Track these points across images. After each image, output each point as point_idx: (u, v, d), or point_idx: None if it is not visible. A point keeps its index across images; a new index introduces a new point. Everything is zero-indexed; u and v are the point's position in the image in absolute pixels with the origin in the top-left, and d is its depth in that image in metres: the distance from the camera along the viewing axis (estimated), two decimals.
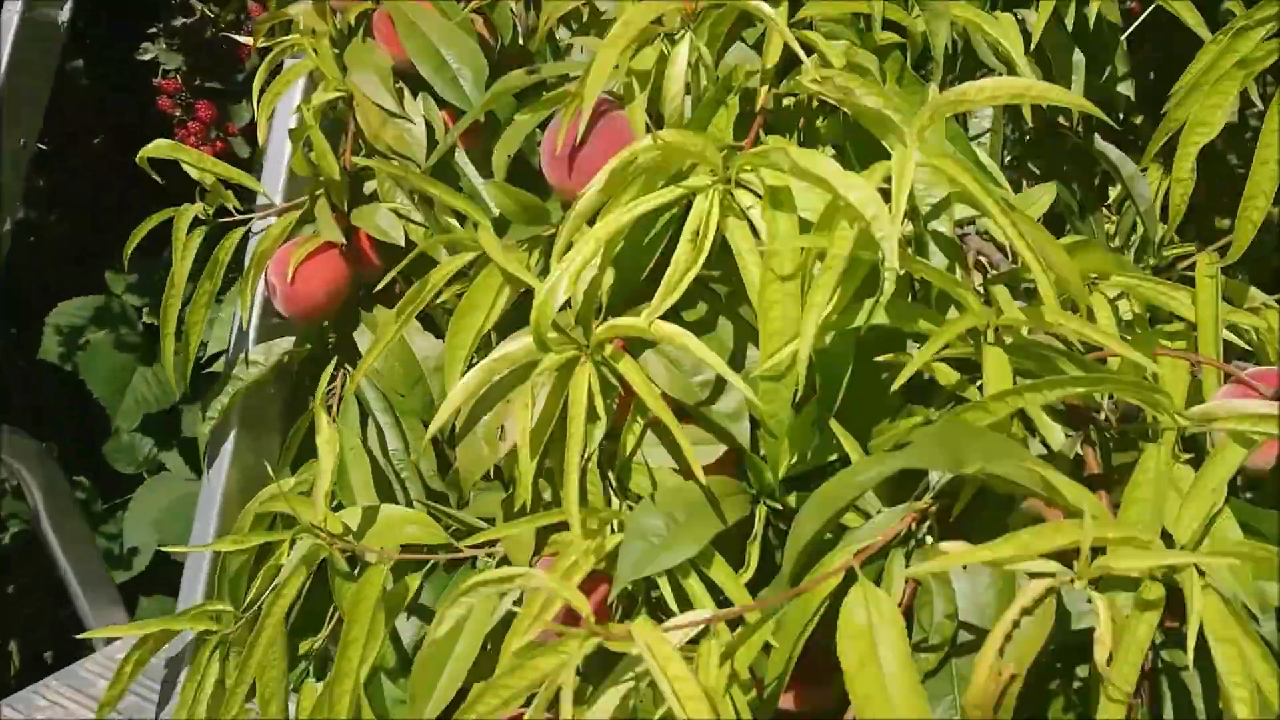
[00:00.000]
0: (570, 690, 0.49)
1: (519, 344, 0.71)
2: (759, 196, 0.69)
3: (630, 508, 0.74)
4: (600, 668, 0.71)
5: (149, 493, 2.11)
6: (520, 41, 0.96)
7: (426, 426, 1.00)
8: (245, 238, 0.99)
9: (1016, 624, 0.53)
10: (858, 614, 0.61)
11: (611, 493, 0.77)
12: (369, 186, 0.99)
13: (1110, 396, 0.69)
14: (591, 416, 0.70)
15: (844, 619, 0.61)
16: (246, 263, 0.98)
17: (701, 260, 0.69)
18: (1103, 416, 0.69)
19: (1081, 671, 0.66)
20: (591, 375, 0.69)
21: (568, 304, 0.72)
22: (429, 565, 0.80)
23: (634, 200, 0.69)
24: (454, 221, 0.91)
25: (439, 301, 0.90)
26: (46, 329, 2.09)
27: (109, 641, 1.53)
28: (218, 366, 1.24)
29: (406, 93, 0.94)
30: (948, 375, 0.68)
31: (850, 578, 0.64)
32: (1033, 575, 0.53)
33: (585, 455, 0.70)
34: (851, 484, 0.67)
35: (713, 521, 0.72)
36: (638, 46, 0.75)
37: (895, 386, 0.66)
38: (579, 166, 0.77)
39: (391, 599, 0.78)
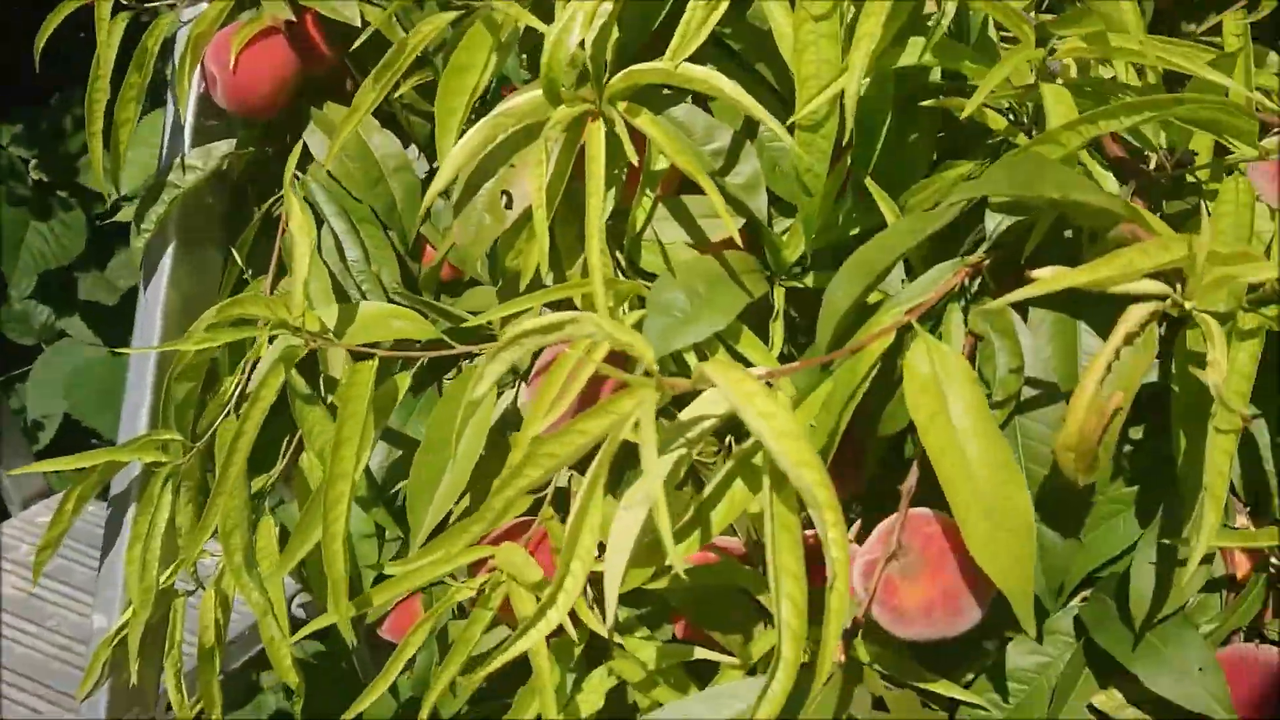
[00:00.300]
0: (652, 428, 0.43)
1: (524, 98, 0.63)
2: None
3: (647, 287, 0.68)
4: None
5: (51, 360, 1.98)
6: None
7: (388, 232, 0.93)
8: (175, 24, 0.88)
9: (1117, 355, 0.49)
10: (921, 366, 0.56)
11: (620, 273, 0.71)
12: None
13: (1165, 146, 0.64)
14: (607, 179, 0.63)
15: (908, 373, 0.57)
16: (179, 51, 0.87)
17: (721, 9, 0.62)
18: (1153, 166, 0.65)
19: None
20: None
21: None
22: (417, 363, 0.73)
23: None
24: None
25: (397, 96, 0.82)
26: None
27: (25, 505, 1.44)
28: (125, 215, 1.14)
29: None
30: (997, 120, 0.63)
31: (898, 342, 0.59)
32: (1134, 300, 0.49)
33: (605, 216, 0.64)
34: (891, 244, 0.62)
35: (737, 294, 0.67)
36: None
37: (939, 133, 0.60)
38: None
39: (380, 399, 0.71)
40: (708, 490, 0.54)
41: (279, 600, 0.87)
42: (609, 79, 0.64)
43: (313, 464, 0.85)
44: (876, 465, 0.68)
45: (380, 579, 0.91)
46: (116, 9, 0.86)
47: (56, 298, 2.05)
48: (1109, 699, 0.63)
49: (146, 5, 0.88)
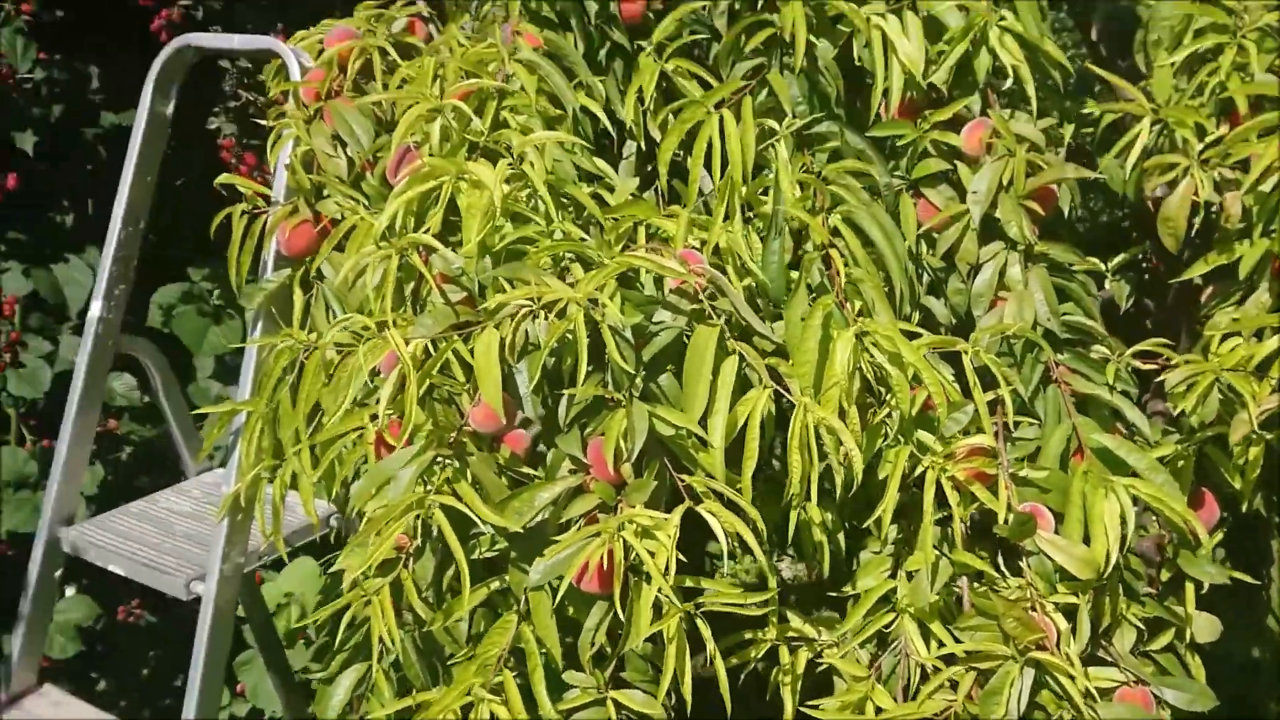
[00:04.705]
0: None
1: None
2: None
3: None
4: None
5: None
6: (393, 117, 1.98)
7: (359, 311, 2.02)
8: (266, 220, 2.02)
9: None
10: None
11: None
12: (325, 191, 2.01)
13: None
14: None
15: None
16: (267, 231, 2.01)
17: None
18: None
19: None
20: None
21: None
22: None
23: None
24: (361, 204, 1.93)
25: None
26: (151, 305, 3.17)
27: (198, 474, 2.57)
28: None
29: (338, 145, 1.96)
30: None
31: None
32: None
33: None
34: None
35: None
36: None
37: None
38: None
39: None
40: None
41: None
42: None
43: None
44: None
45: None
46: (245, 214, 2.00)
47: (225, 377, 3.25)
48: None
49: (255, 211, 2.01)
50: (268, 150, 2.02)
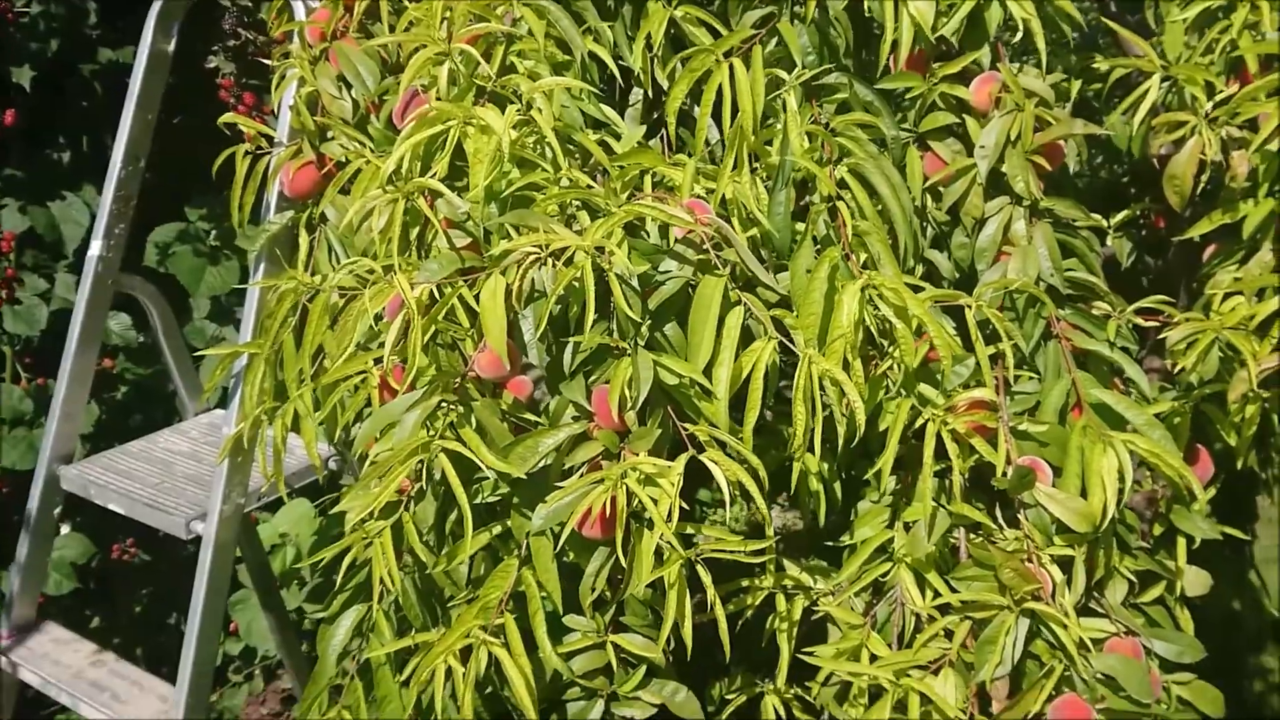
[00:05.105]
0: None
1: None
2: None
3: None
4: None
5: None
6: (399, 59, 1.96)
7: (363, 255, 2.01)
8: (269, 161, 2.01)
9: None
10: None
11: None
12: (330, 133, 2.00)
13: None
14: None
15: None
16: (270, 173, 2.00)
17: None
18: None
19: None
20: None
21: None
22: None
23: None
24: (367, 146, 1.91)
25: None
26: (147, 244, 3.15)
27: (196, 414, 2.57)
28: None
29: (343, 87, 1.95)
30: None
31: None
32: None
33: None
34: None
35: None
36: None
37: None
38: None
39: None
40: None
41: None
42: None
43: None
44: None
45: None
46: (248, 155, 1.99)
47: (221, 317, 3.24)
48: None
49: (259, 152, 2.00)
50: (271, 91, 2.01)
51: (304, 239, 1.97)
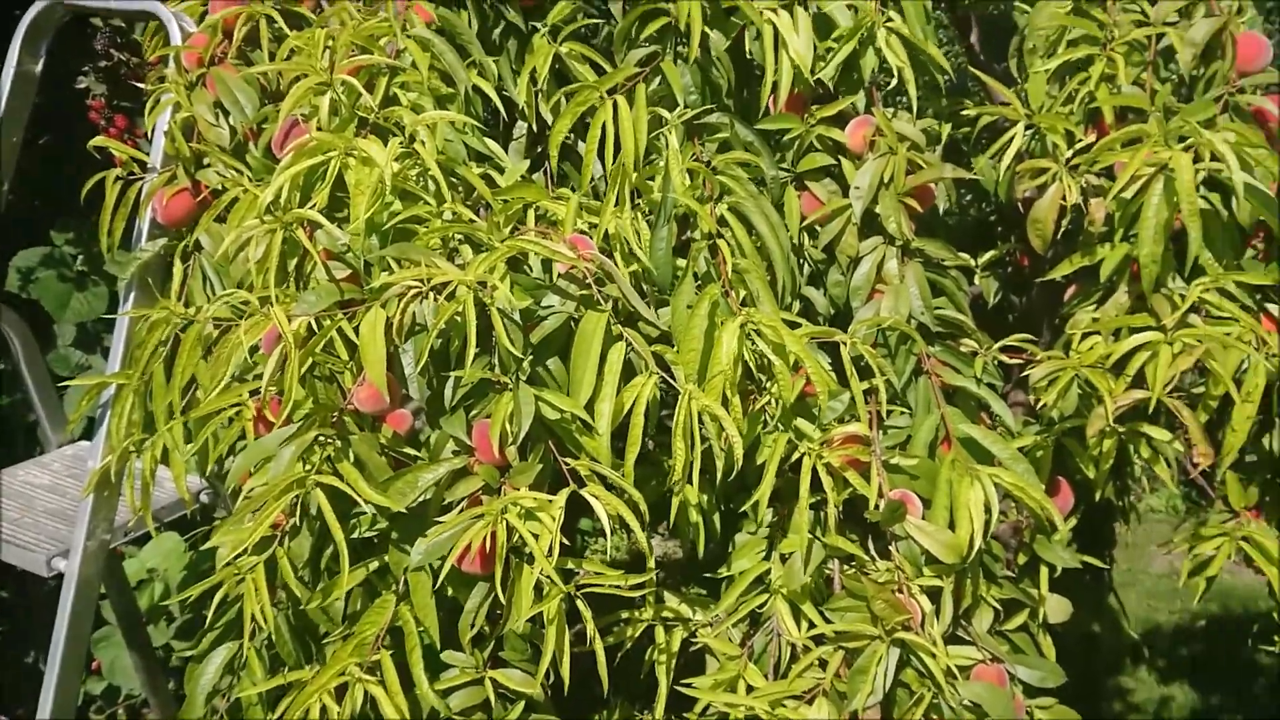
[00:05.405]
0: None
1: None
2: None
3: None
4: None
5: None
6: (279, 87, 1.94)
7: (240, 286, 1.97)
8: (141, 186, 1.96)
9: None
10: None
11: None
12: (206, 160, 1.96)
13: None
14: None
15: None
16: (142, 199, 1.95)
17: None
18: None
19: None
20: None
21: None
22: None
23: None
24: (245, 175, 1.88)
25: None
26: (10, 269, 3.03)
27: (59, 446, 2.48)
28: None
29: (220, 114, 1.91)
30: None
31: None
32: None
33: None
34: None
35: None
36: None
37: None
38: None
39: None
40: None
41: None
42: None
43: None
44: None
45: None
46: (120, 180, 1.93)
47: (87, 344, 3.13)
48: None
49: (130, 177, 1.95)
50: (145, 115, 1.96)
51: (177, 268, 1.92)
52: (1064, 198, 1.83)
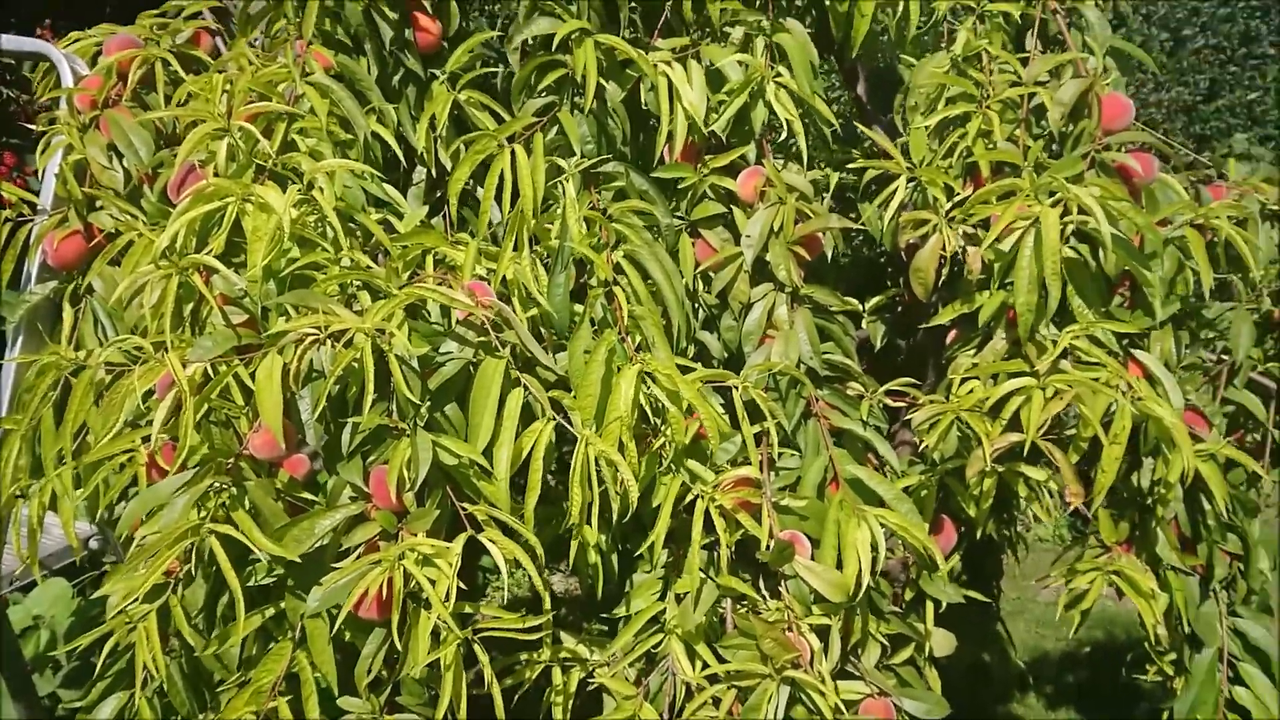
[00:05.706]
0: None
1: None
2: None
3: None
4: None
5: None
6: (175, 131, 1.93)
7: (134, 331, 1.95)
8: (31, 228, 1.93)
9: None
10: None
11: None
12: (99, 203, 1.94)
13: None
14: None
15: None
16: (32, 241, 1.92)
17: None
18: None
19: None
20: None
21: None
22: None
23: None
24: (139, 219, 1.87)
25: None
26: None
27: None
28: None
29: (114, 157, 1.90)
30: None
31: None
32: None
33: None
34: None
35: None
36: None
37: None
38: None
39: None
40: None
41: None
42: None
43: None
44: None
45: None
46: (8, 221, 1.91)
47: None
48: None
49: (19, 219, 1.92)
50: (36, 156, 1.94)
51: (68, 311, 1.90)
52: (944, 247, 1.91)
